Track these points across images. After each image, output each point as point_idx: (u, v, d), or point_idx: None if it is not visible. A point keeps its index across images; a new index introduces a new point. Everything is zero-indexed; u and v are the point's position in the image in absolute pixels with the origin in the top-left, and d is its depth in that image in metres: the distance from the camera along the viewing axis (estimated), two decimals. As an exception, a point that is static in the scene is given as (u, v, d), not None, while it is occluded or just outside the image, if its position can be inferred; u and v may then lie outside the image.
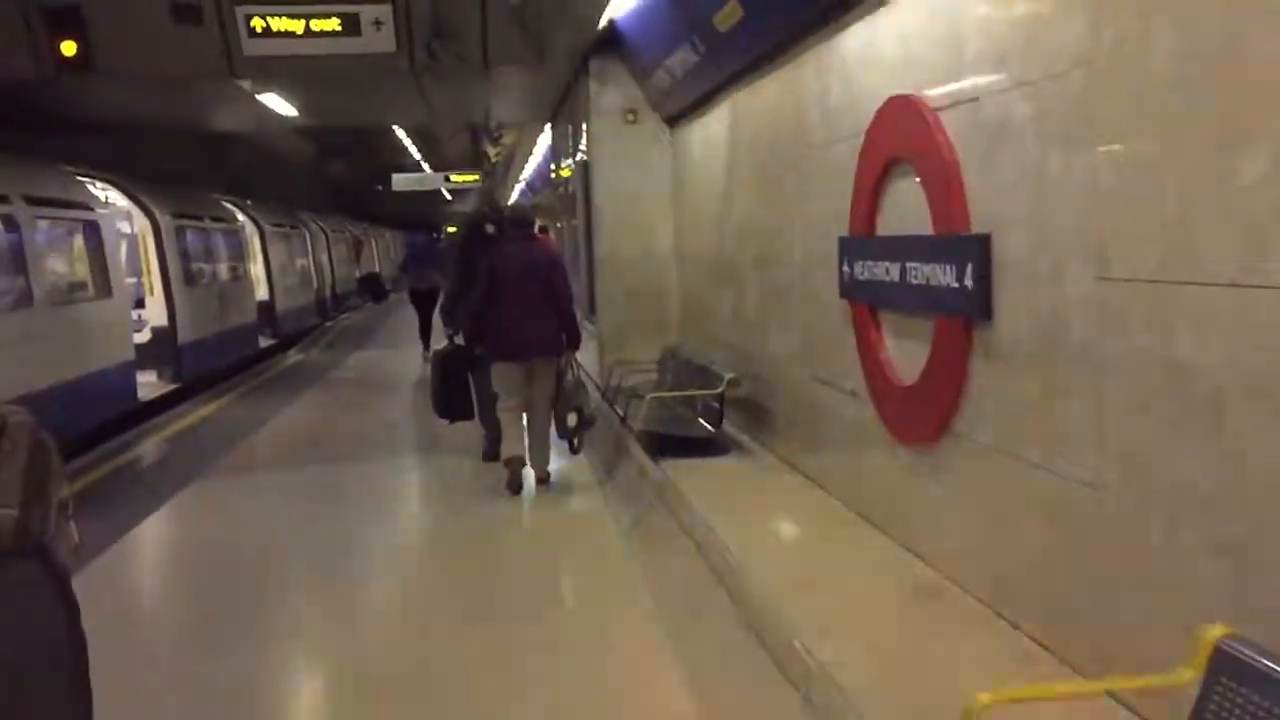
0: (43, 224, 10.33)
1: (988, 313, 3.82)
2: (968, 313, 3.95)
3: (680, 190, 9.92)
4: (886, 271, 4.65)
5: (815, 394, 6.01)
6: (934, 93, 4.22)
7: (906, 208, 4.53)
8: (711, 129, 8.48)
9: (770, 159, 6.82)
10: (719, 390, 7.04)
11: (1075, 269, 3.24)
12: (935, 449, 4.35)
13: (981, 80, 3.84)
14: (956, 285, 3.97)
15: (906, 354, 4.60)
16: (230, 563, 6.46)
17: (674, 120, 9.85)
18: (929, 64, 4.28)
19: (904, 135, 4.47)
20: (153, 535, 7.41)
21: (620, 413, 8.30)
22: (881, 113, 4.69)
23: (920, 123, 4.25)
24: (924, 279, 4.25)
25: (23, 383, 9.15)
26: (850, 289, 5.16)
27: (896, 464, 4.76)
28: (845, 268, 5.19)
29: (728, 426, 7.35)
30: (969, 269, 3.88)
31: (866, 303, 4.99)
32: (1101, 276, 3.10)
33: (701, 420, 7.35)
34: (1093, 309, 3.16)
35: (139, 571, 6.80)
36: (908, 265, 4.41)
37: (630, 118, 10.22)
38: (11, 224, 9.58)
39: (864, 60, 5.04)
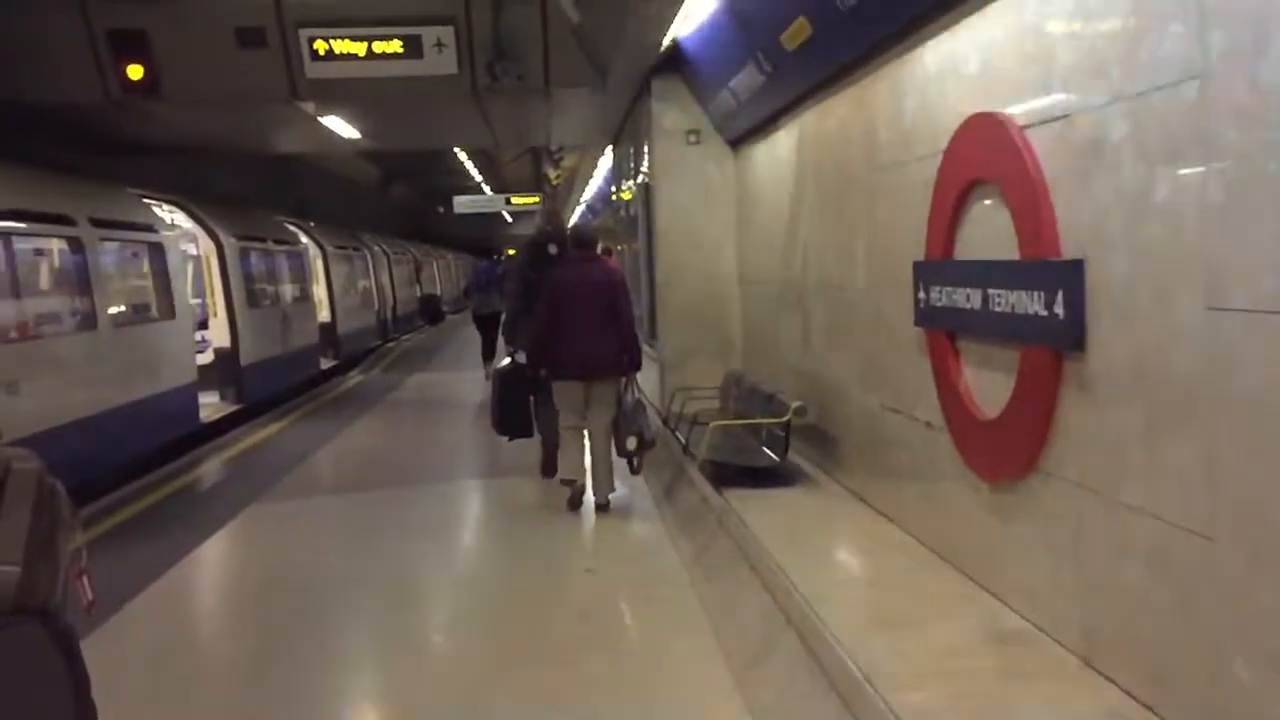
0: (107, 246, 10.41)
1: (1080, 343, 3.58)
2: (1058, 342, 3.71)
3: (744, 213, 9.73)
4: (967, 298, 4.42)
5: (886, 424, 5.77)
6: (1020, 110, 3.99)
7: (989, 231, 4.30)
8: (777, 150, 8.29)
9: (839, 180, 6.61)
10: (785, 418, 6.81)
11: (1183, 297, 3.00)
12: (1019, 486, 4.10)
13: (1074, 96, 3.61)
14: (1045, 313, 3.74)
15: (988, 385, 4.35)
16: (285, 590, 6.37)
17: (738, 141, 9.67)
18: (1015, 79, 4.06)
19: (987, 155, 4.24)
20: (210, 559, 7.36)
21: (682, 439, 8.11)
22: (962, 131, 4.47)
23: (1005, 142, 4.03)
24: (1009, 306, 4.01)
25: (86, 405, 9.19)
26: (926, 315, 4.93)
27: (976, 500, 4.51)
28: (920, 293, 4.96)
29: (793, 456, 7.13)
30: (1059, 296, 3.65)
31: (944, 330, 4.76)
32: (1213, 306, 2.86)
33: (766, 449, 7.13)
34: (1203, 340, 2.91)
35: (194, 597, 6.74)
36: (990, 291, 4.18)
37: (693, 139, 10.07)
38: (76, 246, 9.65)
39: (942, 77, 4.82)
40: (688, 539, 6.84)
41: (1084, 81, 3.54)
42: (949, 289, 4.61)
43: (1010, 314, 4.01)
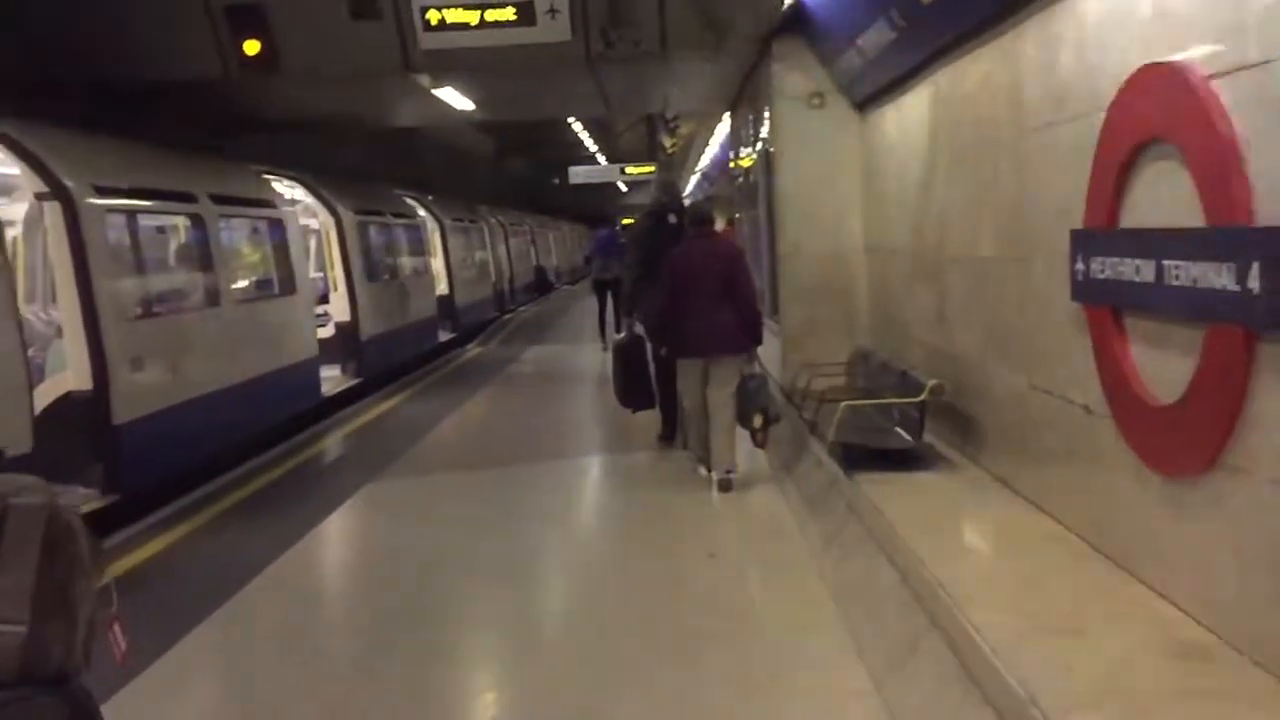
0: (228, 222, 10.46)
1: (1279, 322, 3.14)
2: (1251, 321, 3.27)
3: (871, 179, 9.27)
4: (1136, 270, 3.97)
5: (1035, 405, 5.33)
6: (1203, 58, 3.53)
7: (1163, 195, 3.85)
8: (907, 112, 7.83)
9: (978, 143, 6.15)
10: (920, 398, 6.41)
11: None
12: (1200, 481, 3.67)
13: (1275, 40, 3.15)
14: (1236, 288, 3.29)
15: (1162, 367, 3.91)
16: (402, 573, 6.27)
17: (864, 104, 9.21)
18: (1197, 23, 3.60)
19: (1162, 110, 3.78)
20: (329, 538, 7.32)
21: (807, 419, 7.76)
22: (1131, 84, 4.01)
23: (1185, 94, 3.57)
24: (1189, 280, 3.57)
25: (209, 381, 9.26)
26: (1085, 289, 4.49)
27: (1146, 493, 4.08)
28: (1079, 265, 4.51)
29: (927, 437, 6.71)
30: (1254, 269, 3.20)
31: (1107, 305, 4.32)
32: None
33: (899, 430, 6.74)
34: None
35: (312, 578, 6.65)
36: (1165, 263, 3.73)
37: (816, 102, 9.63)
38: (198, 222, 9.70)
39: (1105, 25, 4.35)
40: (815, 523, 6.51)
41: (1289, 22, 3.08)
42: (1114, 260, 4.17)
43: (1191, 288, 3.56)
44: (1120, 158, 4.12)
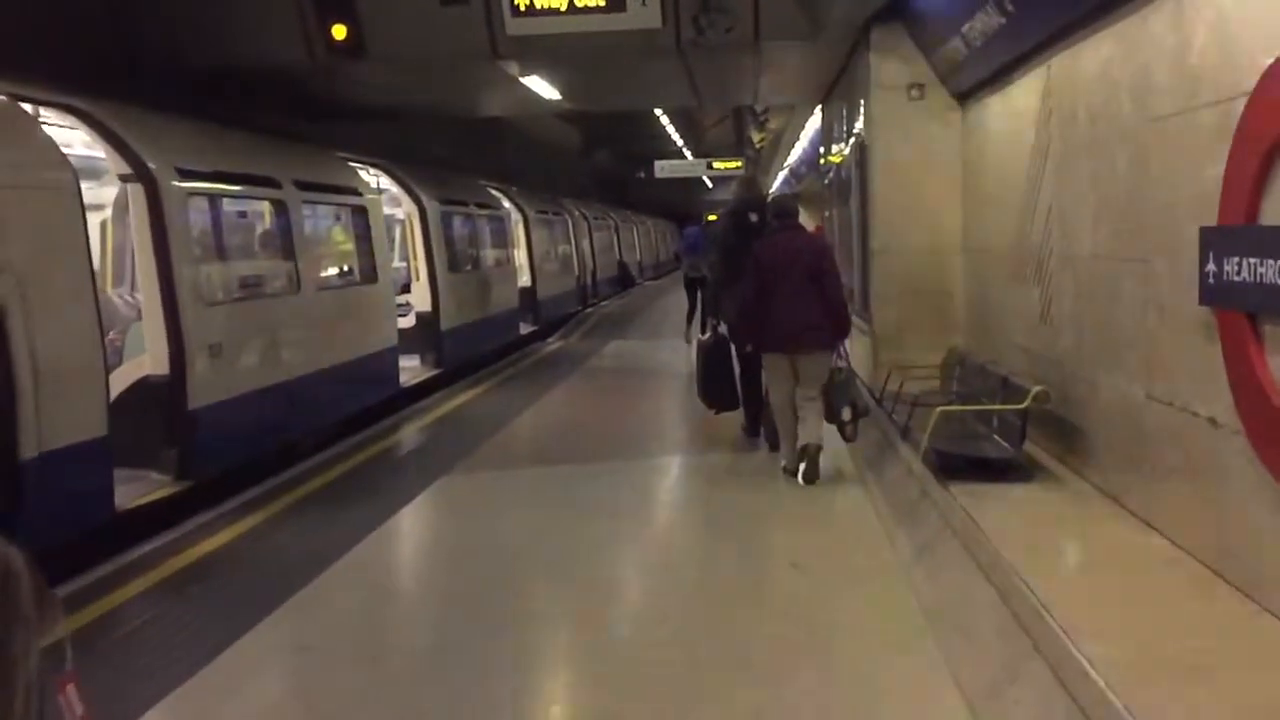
0: (311, 209, 10.40)
1: None
2: None
3: (971, 174, 8.87)
4: (1279, 272, 3.59)
5: (1152, 416, 4.94)
6: (1370, 34, 3.16)
7: (1314, 189, 3.47)
8: (1014, 103, 7.43)
9: (1095, 133, 5.76)
10: (1023, 405, 6.03)
11: None
12: (1350, 508, 3.29)
13: None
14: (1404, 293, 2.92)
15: (1307, 379, 3.54)
16: (473, 573, 6.06)
17: (966, 95, 8.80)
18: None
19: (1316, 94, 3.41)
20: (403, 532, 7.16)
21: (899, 423, 7.42)
22: (1276, 68, 3.63)
23: (1347, 75, 3.20)
24: (1346, 283, 3.19)
25: (287, 369, 9.20)
26: (1216, 292, 4.10)
27: (1281, 518, 3.70)
28: (1210, 265, 4.13)
29: (1027, 446, 6.33)
30: None
31: (1243, 309, 3.93)
32: None
33: (998, 438, 6.37)
34: None
35: (382, 575, 6.45)
36: (1316, 264, 3.36)
37: (915, 94, 9.26)
38: (281, 208, 9.64)
39: (1249, 2, 3.97)
40: (905, 533, 6.17)
41: None
42: (1253, 260, 3.79)
43: (1347, 293, 3.19)
44: (1263, 148, 3.74)
